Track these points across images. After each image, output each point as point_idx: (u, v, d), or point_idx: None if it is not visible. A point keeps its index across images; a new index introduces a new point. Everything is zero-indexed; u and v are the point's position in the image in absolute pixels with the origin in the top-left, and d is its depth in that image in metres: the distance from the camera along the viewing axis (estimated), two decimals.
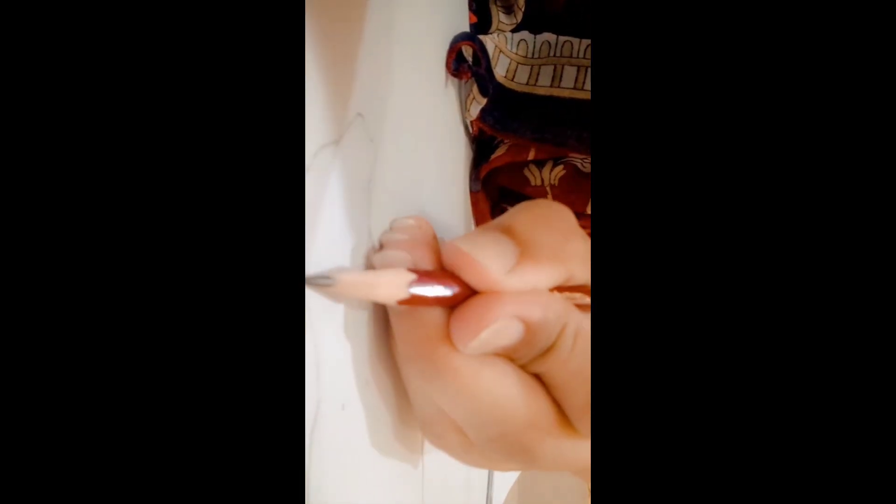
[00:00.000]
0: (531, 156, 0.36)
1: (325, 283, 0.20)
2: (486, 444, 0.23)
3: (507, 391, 0.22)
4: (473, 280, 0.22)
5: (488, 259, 0.21)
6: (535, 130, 0.34)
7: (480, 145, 0.38)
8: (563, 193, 0.36)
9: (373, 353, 0.25)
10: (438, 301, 0.22)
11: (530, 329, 0.21)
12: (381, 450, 0.26)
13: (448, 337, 0.21)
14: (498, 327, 0.21)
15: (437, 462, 0.32)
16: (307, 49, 0.20)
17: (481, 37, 0.35)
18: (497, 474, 0.47)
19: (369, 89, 0.24)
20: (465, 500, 0.39)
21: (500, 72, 0.35)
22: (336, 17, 0.22)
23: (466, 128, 0.37)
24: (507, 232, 0.23)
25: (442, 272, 0.22)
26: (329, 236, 0.22)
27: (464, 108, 0.37)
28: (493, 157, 0.37)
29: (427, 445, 0.30)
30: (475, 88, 0.36)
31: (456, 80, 0.36)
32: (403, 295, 0.21)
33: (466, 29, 0.37)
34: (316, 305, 0.21)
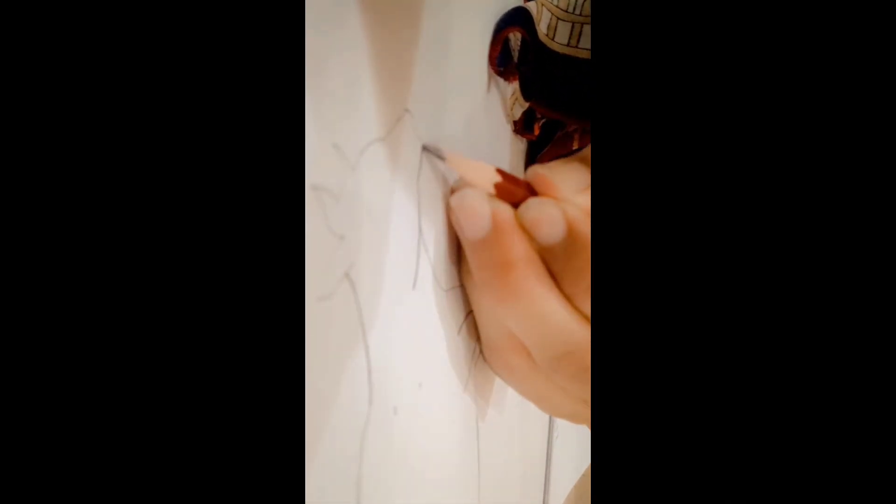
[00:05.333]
0: (575, 145, 0.35)
1: (439, 154, 0.25)
2: (551, 363, 0.25)
3: (571, 315, 0.24)
4: (548, 194, 0.25)
5: (562, 182, 0.25)
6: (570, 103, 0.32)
7: (532, 147, 0.37)
8: None
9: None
10: (512, 194, 0.25)
11: (571, 232, 0.24)
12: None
13: (521, 263, 0.24)
14: (550, 220, 0.24)
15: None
16: (361, 47, 0.20)
17: (527, 4, 0.32)
18: (553, 480, 0.47)
19: (420, 86, 0.25)
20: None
21: (541, 29, 0.32)
22: (392, 15, 0.22)
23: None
24: (585, 161, 0.26)
25: (519, 180, 0.26)
26: (378, 230, 0.22)
27: (507, 109, 0.36)
28: (537, 156, 0.37)
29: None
30: (518, 90, 0.35)
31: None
32: (490, 180, 0.25)
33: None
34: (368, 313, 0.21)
